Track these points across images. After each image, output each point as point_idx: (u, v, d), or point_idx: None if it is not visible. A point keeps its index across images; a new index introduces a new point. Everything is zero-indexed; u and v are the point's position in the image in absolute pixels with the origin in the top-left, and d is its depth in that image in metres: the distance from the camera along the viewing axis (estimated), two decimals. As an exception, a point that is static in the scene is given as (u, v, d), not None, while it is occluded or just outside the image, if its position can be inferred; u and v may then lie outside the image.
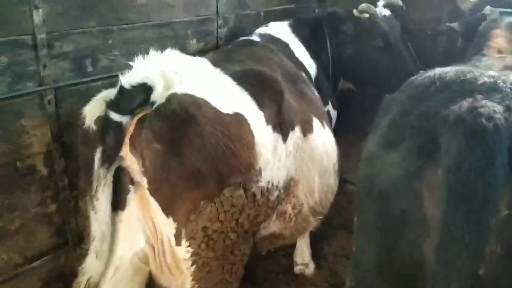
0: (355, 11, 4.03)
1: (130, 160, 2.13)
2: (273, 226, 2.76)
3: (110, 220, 2.17)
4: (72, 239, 3.29)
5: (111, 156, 2.07)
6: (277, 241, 2.95)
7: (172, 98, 2.11)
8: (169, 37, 3.64)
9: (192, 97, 2.16)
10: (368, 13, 3.96)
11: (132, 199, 2.22)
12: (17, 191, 2.90)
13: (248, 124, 2.27)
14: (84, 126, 2.15)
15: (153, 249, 2.34)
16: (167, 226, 2.22)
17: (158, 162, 2.06)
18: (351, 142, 5.41)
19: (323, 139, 2.90)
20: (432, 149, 1.66)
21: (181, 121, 2.05)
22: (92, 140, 2.13)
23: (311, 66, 3.81)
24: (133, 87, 2.10)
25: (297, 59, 3.58)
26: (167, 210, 2.16)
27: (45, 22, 2.80)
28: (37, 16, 2.75)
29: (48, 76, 2.89)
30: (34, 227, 3.06)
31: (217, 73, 2.51)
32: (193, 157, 2.05)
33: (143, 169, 2.10)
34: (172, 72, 2.22)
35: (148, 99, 2.14)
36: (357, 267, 2.07)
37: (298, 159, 2.64)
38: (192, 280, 2.32)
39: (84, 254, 2.23)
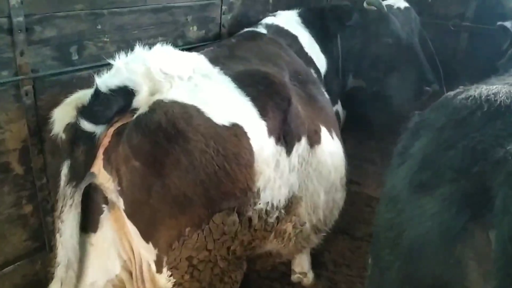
0: (364, 3, 3.68)
1: (103, 178, 1.81)
2: (269, 245, 2.46)
3: (77, 244, 1.87)
4: (49, 242, 3.00)
5: (79, 172, 1.75)
6: (273, 259, 2.66)
7: (157, 107, 1.78)
8: (166, 23, 3.29)
9: (182, 106, 1.83)
10: (375, 6, 3.60)
11: (106, 220, 1.92)
12: (-12, 191, 2.61)
13: (248, 138, 1.95)
14: (52, 133, 1.85)
15: (131, 274, 2.05)
16: (146, 251, 1.93)
17: (137, 182, 1.76)
18: (359, 140, 5.12)
19: (331, 150, 2.56)
20: (481, 202, 1.29)
21: (166, 136, 1.73)
22: (60, 151, 1.83)
23: (320, 62, 3.46)
24: (111, 90, 1.77)
25: (306, 53, 3.23)
26: (147, 235, 1.87)
27: (23, 3, 2.46)
28: (14, -4, 2.41)
29: (25, 64, 2.55)
30: (7, 230, 2.77)
31: (215, 73, 2.17)
32: (179, 179, 1.74)
33: (119, 188, 1.79)
34: (161, 73, 1.89)
35: (129, 104, 1.82)
36: None
37: (303, 174, 2.33)
38: None
39: (50, 279, 1.95)
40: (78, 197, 1.78)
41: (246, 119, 2.01)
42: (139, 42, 3.04)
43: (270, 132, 2.10)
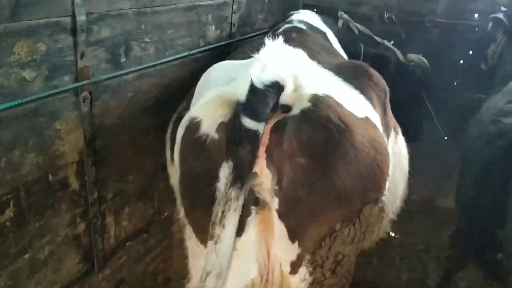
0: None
1: (264, 177, 1.72)
2: None
3: (232, 251, 1.77)
4: (98, 263, 2.76)
5: (245, 173, 1.65)
6: None
7: (317, 102, 1.75)
8: (193, 22, 3.17)
9: (335, 100, 1.82)
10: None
11: (252, 223, 1.80)
12: (48, 211, 2.33)
13: (379, 130, 1.98)
14: (199, 135, 1.72)
15: (261, 278, 1.97)
16: (287, 252, 1.86)
17: (299, 179, 1.70)
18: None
19: (403, 140, 2.65)
20: None
21: (337, 130, 1.71)
22: (213, 153, 1.71)
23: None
24: (266, 86, 1.70)
25: (335, 50, 3.30)
26: (295, 234, 1.80)
27: (84, 0, 2.25)
28: (77, -7, 2.19)
29: (86, 68, 2.33)
30: (64, 253, 2.50)
31: (319, 67, 2.15)
32: (345, 174, 1.72)
33: (276, 188, 1.72)
34: (295, 68, 1.85)
35: (278, 101, 1.76)
36: None
37: (391, 164, 2.40)
38: None
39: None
40: (242, 200, 1.67)
41: (369, 112, 2.02)
42: (172, 43, 2.99)
43: (379, 125, 2.14)
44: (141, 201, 3.07)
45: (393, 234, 4.08)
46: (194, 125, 1.77)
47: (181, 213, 1.92)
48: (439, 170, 4.58)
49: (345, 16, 4.15)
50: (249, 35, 3.95)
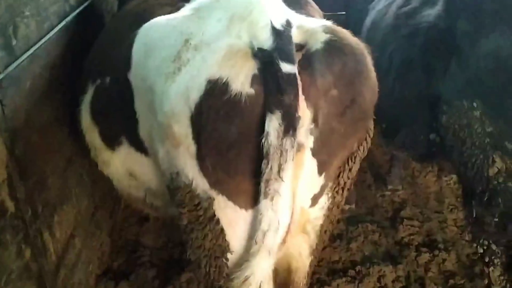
0: None
1: (305, 119, 1.66)
2: None
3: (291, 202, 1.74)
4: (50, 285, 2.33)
5: (294, 120, 1.58)
6: None
7: (334, 32, 1.75)
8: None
9: (338, 27, 1.84)
10: None
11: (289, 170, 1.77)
12: (-4, 249, 1.85)
13: None
14: (230, 95, 1.56)
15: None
16: (311, 188, 1.89)
17: (333, 111, 1.72)
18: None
19: None
20: None
21: (360, 54, 1.76)
22: (251, 111, 1.60)
23: None
24: (284, 27, 1.65)
25: None
26: (324, 168, 1.84)
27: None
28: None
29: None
30: (21, 289, 2.04)
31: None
32: (367, 96, 1.79)
33: (311, 126, 1.70)
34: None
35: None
36: None
37: None
38: (317, 237, 2.08)
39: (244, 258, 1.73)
40: (295, 148, 1.61)
41: None
42: (47, 13, 2.50)
43: None
44: (64, 204, 2.63)
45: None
46: (218, 88, 1.59)
47: (203, 187, 1.74)
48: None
49: None
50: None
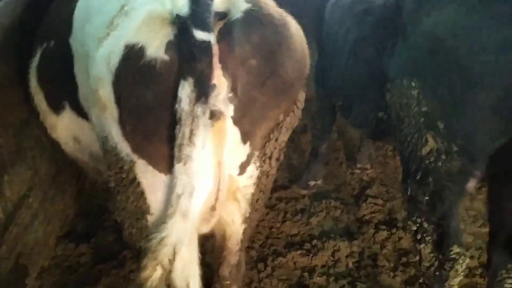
0: None
1: (221, 87, 1.69)
2: None
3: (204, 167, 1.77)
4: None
5: (206, 87, 1.61)
6: None
7: (256, 2, 1.75)
8: None
9: None
10: None
11: (208, 137, 1.79)
12: None
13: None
14: (145, 61, 1.60)
15: (213, 188, 2.01)
16: (237, 156, 1.93)
17: (252, 81, 1.73)
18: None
19: None
20: None
21: (281, 24, 1.77)
22: (165, 76, 1.63)
23: None
24: None
25: None
26: (247, 136, 1.87)
27: None
28: None
29: None
30: None
31: None
32: (289, 66, 1.80)
33: (230, 95, 1.73)
34: None
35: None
36: None
37: None
38: (249, 205, 2.13)
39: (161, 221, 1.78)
40: (208, 114, 1.64)
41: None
42: None
43: None
44: (17, 165, 2.70)
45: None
46: (135, 53, 1.62)
47: (126, 150, 1.79)
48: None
49: None
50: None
